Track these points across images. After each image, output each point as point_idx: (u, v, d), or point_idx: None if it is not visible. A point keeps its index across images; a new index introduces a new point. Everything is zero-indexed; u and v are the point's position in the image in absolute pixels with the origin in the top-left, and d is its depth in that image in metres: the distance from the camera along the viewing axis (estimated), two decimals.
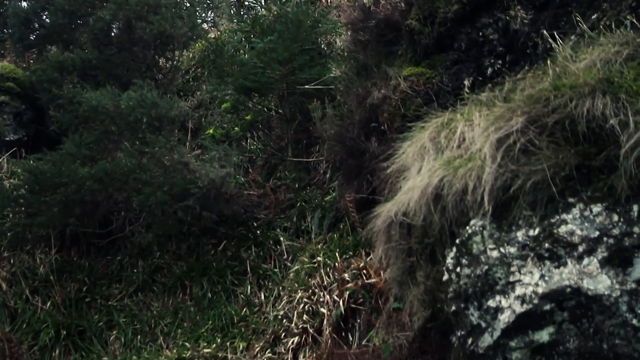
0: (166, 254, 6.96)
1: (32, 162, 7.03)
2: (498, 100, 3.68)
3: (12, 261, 7.00)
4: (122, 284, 6.86)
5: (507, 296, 3.19)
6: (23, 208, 6.79)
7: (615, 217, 3.04)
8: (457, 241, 3.46)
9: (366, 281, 5.34)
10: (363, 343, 5.12)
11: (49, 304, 6.59)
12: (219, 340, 5.90)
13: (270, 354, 5.52)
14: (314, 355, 5.25)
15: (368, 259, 5.51)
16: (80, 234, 7.07)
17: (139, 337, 6.25)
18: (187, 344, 5.90)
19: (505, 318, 3.17)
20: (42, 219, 6.61)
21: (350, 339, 5.27)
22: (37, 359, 6.13)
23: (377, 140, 5.42)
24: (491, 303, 3.24)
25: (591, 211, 3.10)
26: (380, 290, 5.16)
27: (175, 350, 5.85)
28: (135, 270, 6.93)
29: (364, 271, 5.42)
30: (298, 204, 6.94)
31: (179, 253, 6.90)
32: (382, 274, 5.13)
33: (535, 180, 3.19)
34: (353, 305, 5.33)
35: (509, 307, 3.17)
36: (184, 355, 5.69)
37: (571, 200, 3.16)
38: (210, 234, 6.88)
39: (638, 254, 2.97)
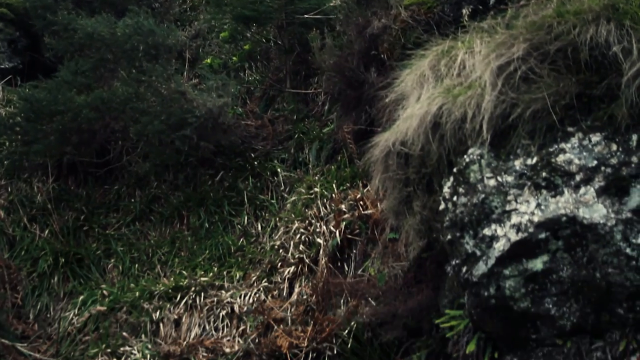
0: (163, 184, 6.95)
1: (27, 90, 6.98)
2: (500, 27, 3.62)
3: (9, 189, 7.01)
4: (120, 213, 6.87)
5: (502, 225, 3.19)
6: (19, 136, 6.75)
7: (614, 147, 3.02)
8: (455, 170, 3.44)
9: (363, 212, 5.37)
10: (358, 273, 5.17)
11: (47, 231, 6.62)
12: (215, 269, 5.94)
13: (266, 283, 5.58)
14: (310, 284, 5.30)
15: (365, 190, 5.52)
16: (77, 163, 7.05)
17: (136, 265, 6.30)
18: (184, 272, 5.95)
19: (500, 246, 3.17)
20: (38, 147, 6.57)
21: (346, 269, 5.32)
22: (36, 286, 6.20)
23: (376, 70, 5.36)
24: (487, 232, 3.24)
25: (590, 140, 3.07)
26: (376, 221, 5.18)
27: (172, 279, 5.90)
28: (132, 200, 6.94)
29: (361, 202, 5.43)
30: (296, 136, 6.91)
31: (177, 183, 6.90)
32: (378, 205, 5.14)
33: (535, 109, 3.16)
34: (349, 236, 5.37)
35: (504, 236, 3.17)
36: (181, 283, 5.73)
37: (570, 129, 3.13)
38: (207, 165, 6.86)
39: (635, 184, 2.96)
